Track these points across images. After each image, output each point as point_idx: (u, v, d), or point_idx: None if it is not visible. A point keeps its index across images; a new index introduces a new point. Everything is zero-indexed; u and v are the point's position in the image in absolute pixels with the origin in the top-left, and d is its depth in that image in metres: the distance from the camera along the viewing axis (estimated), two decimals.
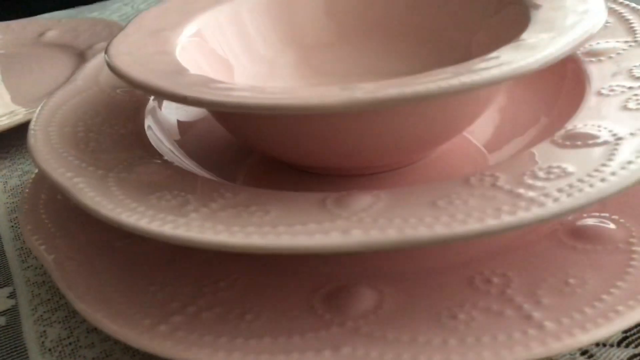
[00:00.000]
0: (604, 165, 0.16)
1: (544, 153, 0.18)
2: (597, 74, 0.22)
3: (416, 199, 0.16)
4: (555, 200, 0.15)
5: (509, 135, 0.24)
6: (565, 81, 0.23)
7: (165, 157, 0.21)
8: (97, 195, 0.17)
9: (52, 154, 0.20)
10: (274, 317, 0.17)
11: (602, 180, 0.15)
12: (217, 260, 0.19)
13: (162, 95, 0.18)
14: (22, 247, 0.25)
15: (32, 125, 0.22)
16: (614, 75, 0.22)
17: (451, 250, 0.19)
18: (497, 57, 0.17)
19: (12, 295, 0.22)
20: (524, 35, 0.19)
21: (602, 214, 0.19)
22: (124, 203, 0.17)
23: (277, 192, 0.18)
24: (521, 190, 0.16)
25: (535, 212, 0.14)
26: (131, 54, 0.21)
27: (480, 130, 0.24)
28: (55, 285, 0.22)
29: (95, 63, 0.28)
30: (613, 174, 0.15)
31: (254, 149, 0.24)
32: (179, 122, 0.26)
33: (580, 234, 0.19)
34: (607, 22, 0.25)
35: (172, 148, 0.23)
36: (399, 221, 0.15)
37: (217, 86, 0.18)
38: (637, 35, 0.24)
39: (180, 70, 0.20)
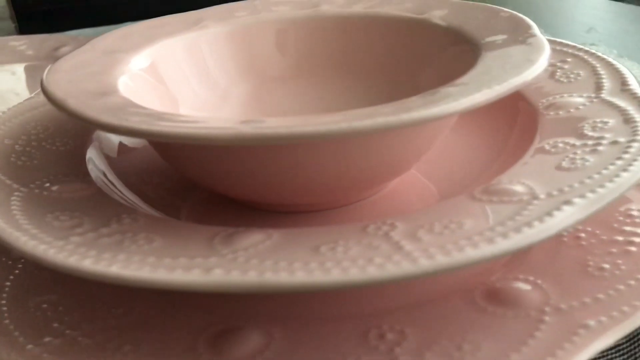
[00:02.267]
0: (501, 224, 0.15)
1: (455, 206, 0.17)
2: (549, 128, 0.21)
3: (303, 241, 0.15)
4: (430, 257, 0.14)
5: (458, 175, 0.23)
6: (514, 131, 0.22)
7: (92, 178, 0.21)
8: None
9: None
10: (152, 352, 0.16)
11: (489, 240, 0.14)
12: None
13: (73, 116, 0.18)
14: None
15: None
16: (564, 130, 0.20)
17: (348, 299, 0.18)
18: (415, 102, 0.17)
19: None
20: (461, 79, 0.18)
21: (528, 277, 0.18)
22: (15, 219, 0.17)
23: (176, 222, 0.17)
24: (405, 243, 0.15)
25: (404, 267, 0.13)
26: (70, 70, 0.21)
27: (432, 167, 0.23)
28: None
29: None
30: (503, 235, 0.14)
31: (192, 181, 0.23)
32: (124, 145, 0.26)
33: (496, 295, 0.18)
34: (578, 75, 0.24)
35: (108, 172, 0.23)
36: (269, 264, 0.14)
37: (130, 110, 0.18)
38: (602, 92, 0.22)
39: (108, 92, 0.19)
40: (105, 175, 0.22)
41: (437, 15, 0.25)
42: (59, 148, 0.22)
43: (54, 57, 0.47)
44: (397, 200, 0.21)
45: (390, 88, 0.26)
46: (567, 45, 0.27)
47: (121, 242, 0.16)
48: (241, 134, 0.15)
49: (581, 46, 0.26)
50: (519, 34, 0.22)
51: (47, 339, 0.17)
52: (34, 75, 0.46)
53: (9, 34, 0.59)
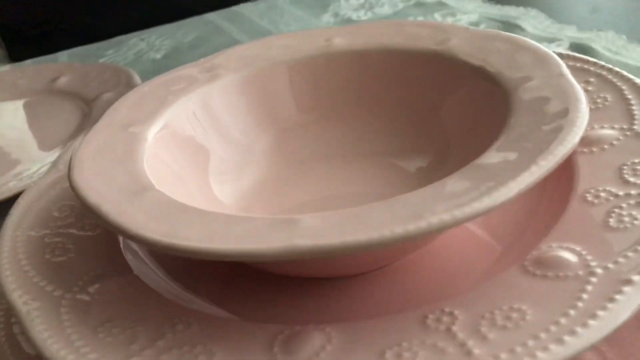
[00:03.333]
0: (564, 315, 0.15)
1: (511, 285, 0.17)
2: (586, 170, 0.21)
3: (366, 346, 0.15)
4: None
5: (497, 224, 0.22)
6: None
7: (131, 269, 0.20)
8: (47, 329, 0.17)
9: (14, 269, 0.20)
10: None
11: (558, 340, 0.14)
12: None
13: (113, 229, 0.18)
14: None
15: (3, 230, 0.22)
16: (604, 174, 0.20)
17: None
18: (461, 190, 0.16)
19: None
20: (488, 158, 0.17)
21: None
22: (70, 340, 0.17)
23: (229, 324, 0.17)
24: (472, 345, 0.15)
25: None
26: (94, 158, 0.21)
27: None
28: None
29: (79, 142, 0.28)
30: (570, 332, 0.14)
31: None
32: None
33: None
34: (605, 100, 0.24)
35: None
36: None
37: (175, 218, 0.17)
38: (634, 122, 0.22)
39: (140, 188, 0.19)
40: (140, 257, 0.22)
41: (456, 46, 0.25)
42: (87, 234, 0.22)
43: (51, 89, 0.46)
44: (439, 258, 0.21)
45: (412, 122, 0.25)
46: (588, 62, 0.26)
47: (184, 358, 0.16)
48: (297, 247, 0.15)
49: (603, 64, 0.25)
50: (546, 72, 0.21)
51: None
52: (32, 111, 0.45)
53: None
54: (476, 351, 0.14)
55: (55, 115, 0.42)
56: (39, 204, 0.24)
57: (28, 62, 0.57)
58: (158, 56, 0.53)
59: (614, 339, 0.18)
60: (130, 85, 0.42)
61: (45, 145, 0.38)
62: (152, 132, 0.23)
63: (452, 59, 0.24)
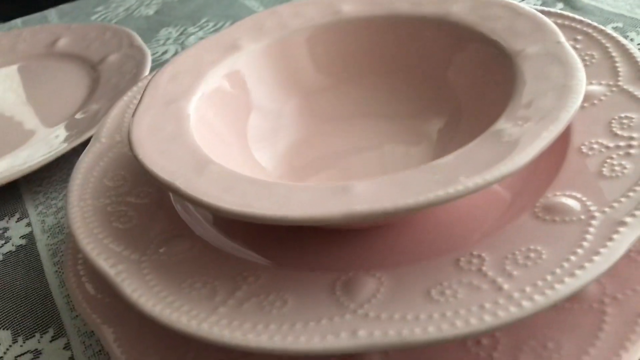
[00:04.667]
0: (573, 253, 0.18)
1: (526, 230, 0.20)
2: (580, 124, 0.24)
3: (413, 286, 0.19)
4: (530, 299, 0.17)
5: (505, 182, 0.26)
6: None
7: (192, 231, 0.23)
8: (137, 289, 0.20)
9: (90, 237, 0.23)
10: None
11: (571, 274, 0.18)
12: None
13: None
14: (68, 295, 0.28)
15: (68, 201, 0.24)
16: (595, 128, 0.23)
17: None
18: (485, 154, 0.19)
19: (67, 347, 0.25)
20: (503, 123, 0.20)
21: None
22: (160, 296, 0.20)
23: (291, 274, 0.20)
24: (501, 281, 0.18)
25: (512, 312, 0.17)
26: (151, 136, 0.23)
27: None
28: None
29: (116, 113, 0.30)
30: (580, 267, 0.18)
31: None
32: None
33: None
34: (592, 58, 0.27)
35: (192, 211, 0.25)
36: (398, 317, 0.18)
37: (240, 189, 0.20)
38: (619, 78, 0.25)
39: (202, 163, 0.21)
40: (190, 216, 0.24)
41: (458, 12, 0.27)
42: (143, 201, 0.25)
43: (52, 53, 0.47)
44: (459, 209, 0.24)
45: (424, 86, 0.28)
46: (575, 20, 0.29)
47: (261, 307, 0.19)
48: (356, 212, 0.18)
49: (590, 22, 0.28)
50: (544, 40, 0.24)
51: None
52: (32, 75, 0.46)
53: None
54: (505, 286, 0.18)
55: (64, 79, 0.44)
56: (93, 176, 0.26)
57: (17, 21, 0.57)
58: (150, 12, 0.54)
59: (611, 272, 0.21)
60: (133, 46, 0.43)
61: (63, 108, 0.40)
62: (193, 107, 0.25)
63: (456, 25, 0.27)
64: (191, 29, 0.49)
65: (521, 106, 0.21)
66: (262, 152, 0.26)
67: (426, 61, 0.28)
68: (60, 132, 0.37)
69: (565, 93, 0.21)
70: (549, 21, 0.25)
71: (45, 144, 0.36)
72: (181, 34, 0.49)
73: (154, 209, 0.24)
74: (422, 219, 0.23)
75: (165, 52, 0.46)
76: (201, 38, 0.48)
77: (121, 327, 0.23)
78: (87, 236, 0.23)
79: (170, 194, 0.25)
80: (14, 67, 0.47)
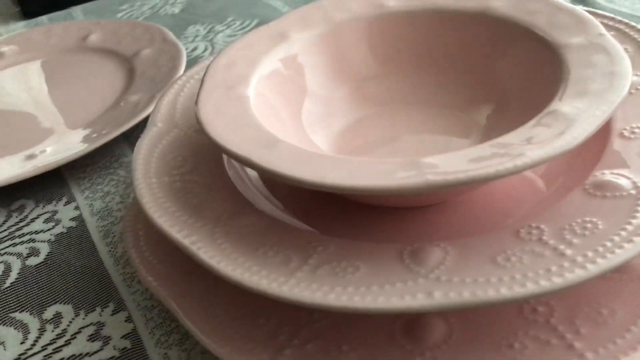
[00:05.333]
0: (628, 223, 0.20)
1: (579, 203, 0.21)
2: (619, 111, 0.26)
3: (478, 255, 0.20)
4: (593, 262, 0.19)
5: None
6: None
7: (255, 206, 0.24)
8: (214, 256, 0.21)
9: (161, 210, 0.24)
10: (365, 348, 0.21)
11: (629, 240, 0.19)
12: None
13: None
14: (124, 272, 0.29)
15: (136, 179, 0.26)
16: (635, 114, 0.25)
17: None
18: (538, 138, 0.21)
19: (129, 319, 0.26)
20: (558, 104, 0.22)
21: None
22: (238, 262, 0.21)
23: (358, 244, 0.22)
24: (563, 248, 0.19)
25: (579, 274, 0.18)
26: (220, 117, 0.24)
27: None
28: (164, 310, 0.26)
29: (169, 99, 0.31)
30: (636, 234, 0.19)
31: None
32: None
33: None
34: (626, 51, 0.29)
35: (251, 189, 0.26)
36: (469, 280, 0.19)
37: (312, 163, 0.21)
38: None
39: (273, 142, 0.23)
40: (253, 193, 0.26)
41: (500, 7, 0.29)
42: (207, 180, 0.26)
43: (84, 47, 0.48)
44: (512, 185, 0.26)
45: (472, 77, 0.29)
46: (606, 17, 0.31)
47: (335, 273, 0.20)
48: (431, 182, 0.19)
49: (621, 19, 0.30)
50: (587, 32, 0.26)
51: (286, 351, 0.21)
52: (67, 67, 0.47)
53: (13, 17, 0.59)
54: (568, 252, 0.19)
55: (100, 72, 0.45)
56: (153, 157, 0.27)
57: (43, 18, 0.58)
58: (176, 10, 0.55)
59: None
60: (166, 41, 0.45)
61: (101, 99, 0.41)
62: (252, 89, 0.27)
63: (498, 19, 0.29)
64: (218, 27, 0.51)
65: (572, 90, 0.23)
66: (316, 136, 0.28)
67: (471, 54, 0.30)
68: (101, 122, 0.38)
69: (613, 78, 0.23)
70: (589, 15, 0.27)
71: (83, 135, 0.37)
72: (209, 31, 0.50)
73: (217, 188, 0.25)
74: (475, 196, 0.25)
75: (195, 49, 0.48)
76: (229, 36, 0.49)
77: (189, 300, 0.24)
78: (157, 210, 0.24)
79: (240, 172, 0.27)
80: (48, 60, 0.48)
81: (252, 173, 0.28)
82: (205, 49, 0.48)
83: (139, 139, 0.28)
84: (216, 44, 0.48)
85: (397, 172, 0.20)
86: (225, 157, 0.28)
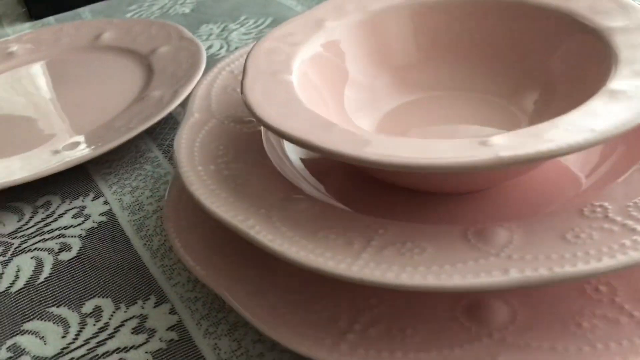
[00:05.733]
0: None
1: (637, 182, 0.21)
2: None
3: (547, 233, 0.20)
4: None
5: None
6: None
7: (305, 192, 0.24)
8: (274, 239, 0.21)
9: (213, 197, 0.23)
10: (429, 331, 0.21)
11: None
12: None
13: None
14: (163, 265, 0.28)
15: (181, 167, 0.25)
16: None
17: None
18: (601, 113, 0.21)
19: (172, 311, 0.26)
20: (614, 84, 0.22)
21: None
22: (300, 244, 0.21)
23: (418, 226, 0.21)
24: (631, 224, 0.19)
25: None
26: (267, 102, 0.24)
27: None
28: (209, 301, 0.26)
29: (202, 92, 0.31)
30: None
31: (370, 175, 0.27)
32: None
33: None
34: None
35: (296, 175, 0.26)
36: (542, 257, 0.19)
37: (375, 144, 0.21)
38: None
39: (329, 125, 0.23)
40: (299, 179, 0.25)
41: None
42: (254, 168, 0.26)
43: (97, 45, 0.48)
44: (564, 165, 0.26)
45: (517, 66, 0.29)
46: None
47: (402, 253, 0.20)
48: (503, 158, 0.19)
49: None
50: (631, 18, 0.26)
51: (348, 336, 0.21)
52: (82, 65, 0.46)
53: (19, 19, 0.58)
54: (638, 228, 0.19)
55: (116, 69, 0.44)
56: (195, 147, 0.27)
57: (50, 18, 0.57)
58: (186, 10, 0.55)
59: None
60: (183, 39, 0.44)
61: (121, 96, 0.40)
62: (296, 72, 0.26)
63: (540, 7, 0.29)
64: (232, 26, 0.50)
65: (626, 70, 0.23)
66: (358, 122, 0.27)
67: (513, 42, 0.29)
68: (124, 117, 0.37)
69: None
70: (630, 0, 0.27)
71: (108, 129, 0.36)
72: (223, 30, 0.50)
73: (263, 175, 0.25)
74: (530, 177, 0.25)
75: (210, 47, 0.47)
76: (244, 34, 0.49)
77: (241, 288, 0.23)
78: (209, 196, 0.23)
79: (284, 159, 0.26)
80: (61, 59, 0.47)
81: (295, 160, 0.28)
82: (221, 47, 0.47)
83: (178, 130, 0.28)
84: (231, 41, 0.48)
85: (465, 150, 0.20)
86: (266, 145, 0.27)
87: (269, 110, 0.24)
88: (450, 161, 0.19)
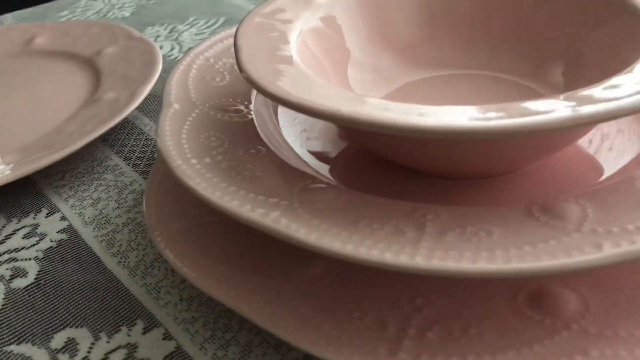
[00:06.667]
0: None
1: None
2: None
3: (621, 204, 0.17)
4: None
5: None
6: None
7: (324, 180, 0.21)
8: (311, 232, 0.17)
9: (220, 191, 0.19)
10: (496, 328, 0.18)
11: None
12: (399, 279, 0.20)
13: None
14: (145, 284, 0.24)
15: (172, 163, 0.21)
16: None
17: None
18: (616, 87, 0.18)
19: (167, 337, 0.21)
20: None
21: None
22: (341, 237, 0.17)
23: (469, 209, 0.18)
24: None
25: None
26: (281, 83, 0.20)
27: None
28: (210, 319, 0.22)
29: (178, 82, 0.26)
30: None
31: (373, 152, 0.24)
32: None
33: None
34: None
35: (305, 164, 0.23)
36: (632, 228, 0.16)
37: (406, 111, 0.18)
38: None
39: (352, 96, 0.19)
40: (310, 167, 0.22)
41: None
42: (257, 156, 0.22)
43: (30, 50, 0.43)
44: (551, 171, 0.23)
45: (532, 38, 0.27)
46: None
47: (467, 239, 0.17)
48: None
49: None
50: None
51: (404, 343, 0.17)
52: (18, 71, 0.41)
53: None
54: None
55: (56, 74, 0.39)
56: (183, 139, 0.23)
57: None
58: (126, 14, 0.50)
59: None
60: (132, 38, 0.40)
61: (67, 102, 0.35)
62: (297, 55, 0.23)
63: None
64: (181, 27, 0.46)
65: None
66: None
67: (531, 11, 0.27)
68: (75, 122, 0.32)
69: None
70: None
71: (58, 136, 0.31)
72: (171, 31, 0.46)
73: (273, 164, 0.21)
74: (566, 155, 0.22)
75: (160, 48, 0.43)
76: (196, 34, 0.45)
77: (260, 301, 0.20)
78: (215, 191, 0.19)
79: (285, 147, 0.23)
80: None
81: (298, 148, 0.24)
82: (172, 48, 0.43)
83: (159, 123, 0.24)
84: (183, 42, 0.44)
85: (492, 116, 0.17)
86: (262, 133, 0.24)
87: (281, 87, 0.20)
88: (500, 123, 0.16)
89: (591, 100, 0.17)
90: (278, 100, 0.19)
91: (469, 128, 0.16)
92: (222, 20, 0.46)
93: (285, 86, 0.20)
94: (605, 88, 0.18)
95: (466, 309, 0.19)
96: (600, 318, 0.18)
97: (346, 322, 0.19)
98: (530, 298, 0.19)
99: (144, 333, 0.22)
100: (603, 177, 0.22)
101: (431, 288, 0.20)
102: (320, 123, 0.26)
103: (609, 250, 0.16)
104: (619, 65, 0.21)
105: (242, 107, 0.25)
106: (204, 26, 0.46)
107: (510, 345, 0.17)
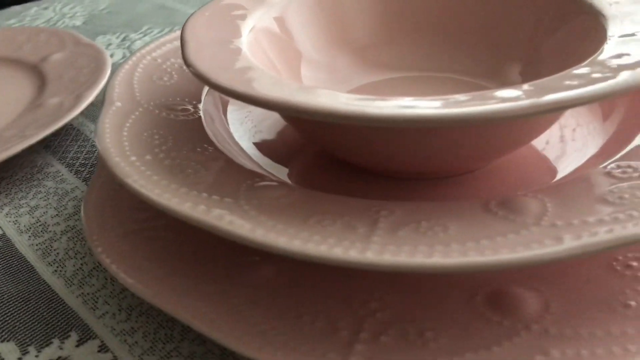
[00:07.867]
0: None
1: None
2: None
3: (582, 197, 0.17)
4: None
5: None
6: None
7: (272, 178, 0.19)
8: (255, 228, 0.16)
9: (159, 188, 0.18)
10: (452, 331, 0.17)
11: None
12: (352, 281, 0.19)
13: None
14: (82, 293, 0.22)
15: (111, 160, 0.20)
16: None
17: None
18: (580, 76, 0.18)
19: (103, 349, 0.20)
20: (604, 56, 0.19)
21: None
22: (288, 233, 0.16)
23: (423, 205, 0.17)
24: None
25: None
26: (229, 75, 0.19)
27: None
28: (151, 330, 0.20)
29: (122, 80, 0.25)
30: None
31: (327, 151, 0.23)
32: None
33: None
34: None
35: (254, 162, 0.21)
36: (592, 220, 0.15)
37: (364, 104, 0.17)
38: None
39: (306, 88, 0.18)
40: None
41: None
42: (203, 154, 0.21)
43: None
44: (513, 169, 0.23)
45: (492, 37, 0.26)
46: None
47: (421, 232, 0.16)
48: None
49: None
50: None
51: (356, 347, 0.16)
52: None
53: None
54: None
55: (1, 79, 0.37)
56: (124, 136, 0.21)
57: None
58: (77, 23, 0.49)
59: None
60: (80, 44, 0.38)
61: (7, 105, 0.34)
62: (248, 48, 0.22)
63: None
64: (134, 36, 0.45)
65: (615, 46, 0.20)
66: None
67: (492, 10, 0.26)
68: (11, 129, 0.30)
69: None
70: None
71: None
72: (123, 39, 0.44)
73: (218, 162, 0.20)
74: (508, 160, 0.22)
75: (111, 56, 0.42)
76: (147, 43, 0.43)
77: (204, 309, 0.18)
78: (155, 187, 0.18)
79: (232, 145, 0.21)
80: None
81: (249, 148, 0.23)
82: (124, 56, 0.42)
83: (99, 120, 0.22)
84: (134, 50, 0.42)
85: (462, 105, 0.16)
86: (209, 131, 0.22)
87: (229, 77, 0.19)
88: (462, 111, 0.16)
89: (552, 89, 0.16)
90: (225, 92, 0.18)
91: (429, 116, 0.16)
92: (176, 29, 0.45)
93: (232, 78, 0.19)
94: (564, 78, 0.17)
95: (422, 312, 0.18)
96: (561, 318, 0.17)
97: (296, 327, 0.17)
98: (489, 299, 0.18)
99: (77, 345, 0.20)
100: (562, 175, 0.21)
101: (385, 290, 0.19)
102: (274, 122, 0.25)
103: (570, 243, 0.15)
104: (575, 64, 0.20)
105: (189, 107, 0.24)
106: (157, 35, 0.45)
107: (467, 348, 0.16)
